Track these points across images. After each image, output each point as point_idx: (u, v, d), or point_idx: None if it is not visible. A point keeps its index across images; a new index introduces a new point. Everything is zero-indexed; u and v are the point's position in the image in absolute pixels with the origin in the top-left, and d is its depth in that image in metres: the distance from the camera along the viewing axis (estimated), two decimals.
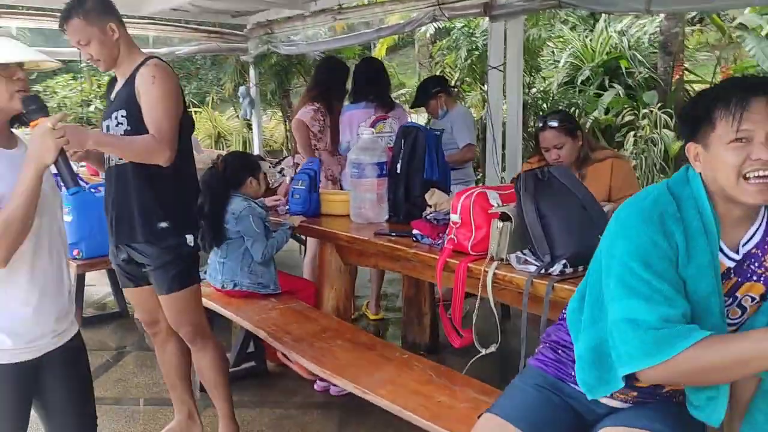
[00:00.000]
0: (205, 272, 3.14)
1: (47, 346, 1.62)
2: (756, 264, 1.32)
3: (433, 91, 4.15)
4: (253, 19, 6.89)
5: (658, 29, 7.65)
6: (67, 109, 11.36)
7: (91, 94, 11.65)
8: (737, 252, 1.31)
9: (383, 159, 2.99)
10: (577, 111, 6.98)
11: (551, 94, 7.37)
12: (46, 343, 1.62)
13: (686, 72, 7.97)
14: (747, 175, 1.19)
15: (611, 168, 2.77)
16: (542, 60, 8.28)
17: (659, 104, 6.96)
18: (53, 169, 1.57)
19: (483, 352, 2.16)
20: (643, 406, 1.46)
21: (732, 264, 1.31)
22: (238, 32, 7.22)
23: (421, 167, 2.95)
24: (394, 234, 2.68)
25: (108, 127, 2.32)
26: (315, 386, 3.08)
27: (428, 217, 2.55)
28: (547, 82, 8.08)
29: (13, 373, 1.56)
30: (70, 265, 3.83)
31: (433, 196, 2.62)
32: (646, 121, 6.82)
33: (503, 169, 4.68)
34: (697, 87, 7.65)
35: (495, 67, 4.53)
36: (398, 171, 3.01)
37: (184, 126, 2.35)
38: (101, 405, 3.03)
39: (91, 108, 11.56)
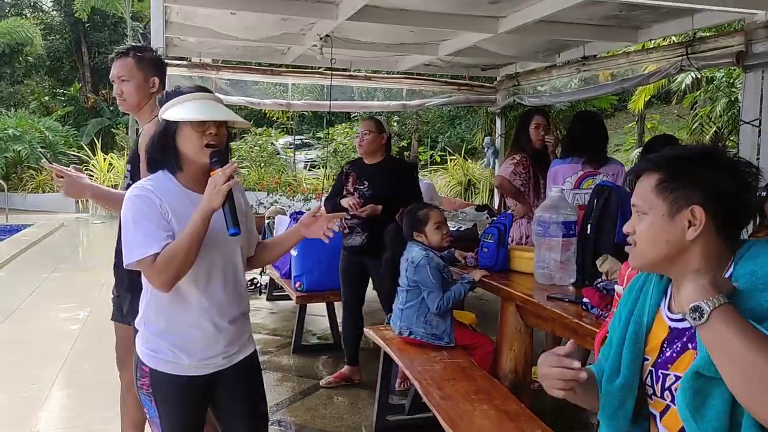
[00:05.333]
0: (389, 317, 3.26)
1: (218, 366, 1.83)
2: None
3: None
4: (503, 72, 7.04)
5: None
6: (340, 154, 12.72)
7: None
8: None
9: (571, 218, 2.80)
10: None
11: None
12: (217, 362, 1.83)
13: None
14: None
15: None
16: None
17: None
18: None
19: None
20: None
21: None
22: (487, 84, 7.43)
23: (612, 229, 2.69)
24: (566, 299, 2.48)
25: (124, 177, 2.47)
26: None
27: (599, 285, 2.30)
28: None
29: (188, 385, 1.79)
30: (292, 295, 4.33)
31: (605, 263, 2.35)
32: None
33: None
34: None
35: (748, 122, 3.95)
36: (588, 232, 2.79)
37: None
38: (284, 428, 3.32)
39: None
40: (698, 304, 1.07)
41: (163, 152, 1.75)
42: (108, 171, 13.76)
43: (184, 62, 5.82)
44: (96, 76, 21.70)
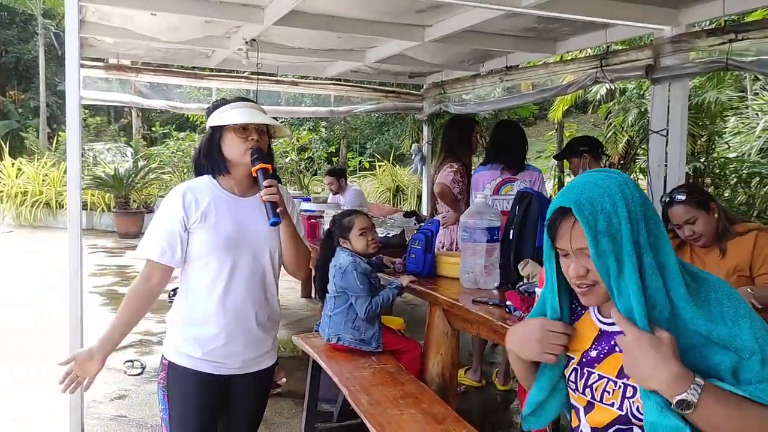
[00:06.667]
0: (318, 324, 3.24)
1: (233, 369, 1.87)
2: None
3: (579, 149, 3.98)
4: (429, 80, 7.15)
5: None
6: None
7: (288, 146, 12.89)
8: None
9: (495, 224, 2.87)
10: None
11: (743, 162, 6.56)
12: (233, 365, 1.87)
13: None
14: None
15: (755, 241, 2.44)
16: (728, 125, 7.44)
17: None
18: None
19: None
20: None
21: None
22: (414, 92, 7.53)
23: (533, 234, 2.78)
24: (491, 303, 2.54)
25: None
26: None
27: (521, 288, 2.37)
28: (735, 148, 7.23)
29: (200, 382, 1.84)
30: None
31: (526, 267, 2.44)
32: None
33: None
34: None
35: (657, 132, 4.19)
36: (510, 237, 2.87)
37: None
38: None
39: (287, 159, 12.81)
40: (683, 398, 1.06)
41: (210, 158, 1.87)
42: (17, 177, 12.94)
43: (101, 63, 5.58)
44: (3, 76, 20.48)
